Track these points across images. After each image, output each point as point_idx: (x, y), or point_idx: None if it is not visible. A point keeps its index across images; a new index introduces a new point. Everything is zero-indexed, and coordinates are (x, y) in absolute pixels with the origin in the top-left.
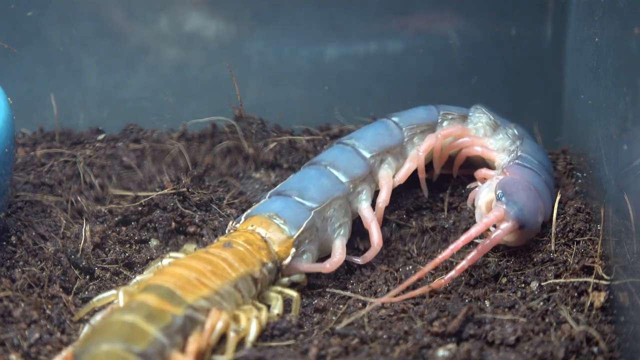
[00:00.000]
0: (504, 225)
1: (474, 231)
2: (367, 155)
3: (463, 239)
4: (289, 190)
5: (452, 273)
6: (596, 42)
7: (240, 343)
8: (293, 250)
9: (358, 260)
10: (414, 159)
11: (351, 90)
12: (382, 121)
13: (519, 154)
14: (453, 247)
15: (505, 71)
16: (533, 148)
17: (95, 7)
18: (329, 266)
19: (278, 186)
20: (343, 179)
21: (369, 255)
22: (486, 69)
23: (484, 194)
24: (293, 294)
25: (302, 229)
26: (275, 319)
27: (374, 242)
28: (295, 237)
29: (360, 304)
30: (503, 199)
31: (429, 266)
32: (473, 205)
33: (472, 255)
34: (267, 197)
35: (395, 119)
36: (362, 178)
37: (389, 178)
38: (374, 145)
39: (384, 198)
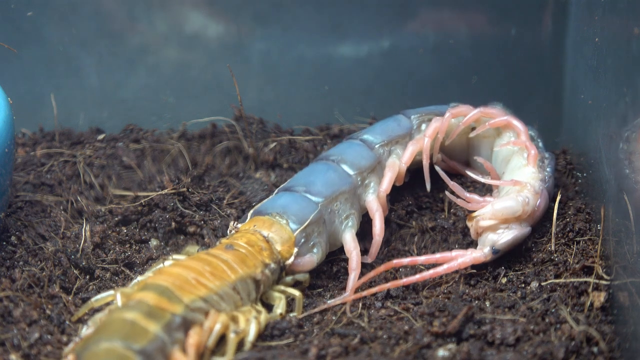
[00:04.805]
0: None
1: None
2: (375, 145)
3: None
4: (296, 186)
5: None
6: (596, 42)
7: (240, 344)
8: (295, 249)
9: (366, 259)
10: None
11: (351, 90)
12: (392, 116)
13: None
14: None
15: (505, 71)
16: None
17: (95, 7)
18: (355, 270)
19: (286, 182)
20: (350, 171)
21: (373, 249)
22: (486, 69)
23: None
24: (296, 293)
25: (307, 222)
26: (277, 318)
27: (375, 233)
28: (297, 232)
29: (360, 304)
30: (493, 252)
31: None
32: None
33: (429, 272)
34: (274, 193)
35: (405, 111)
36: (370, 169)
37: (392, 166)
38: (382, 135)
39: (384, 187)
